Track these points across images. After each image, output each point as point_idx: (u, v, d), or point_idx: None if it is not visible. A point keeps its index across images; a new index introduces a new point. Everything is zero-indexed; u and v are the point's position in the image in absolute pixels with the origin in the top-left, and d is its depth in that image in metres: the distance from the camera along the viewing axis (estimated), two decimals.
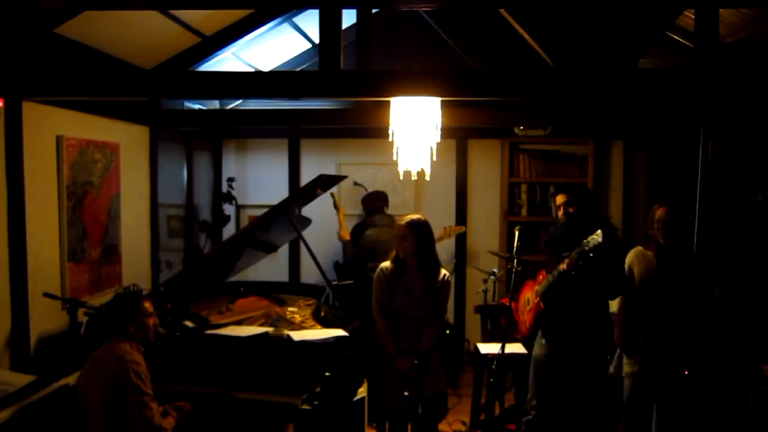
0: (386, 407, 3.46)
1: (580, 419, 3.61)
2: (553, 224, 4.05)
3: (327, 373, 3.12)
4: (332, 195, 5.42)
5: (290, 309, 3.84)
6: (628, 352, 3.44)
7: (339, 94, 3.30)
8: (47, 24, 3.46)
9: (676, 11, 3.11)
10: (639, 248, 3.49)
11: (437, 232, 3.79)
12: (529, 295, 3.80)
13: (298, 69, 5.86)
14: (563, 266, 3.38)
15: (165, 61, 4.66)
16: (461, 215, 6.23)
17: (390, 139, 3.51)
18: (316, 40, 5.30)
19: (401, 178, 3.68)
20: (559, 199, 3.72)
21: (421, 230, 3.43)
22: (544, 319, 3.65)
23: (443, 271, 3.49)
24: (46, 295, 3.52)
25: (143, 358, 2.92)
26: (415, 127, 3.43)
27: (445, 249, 6.03)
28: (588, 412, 3.59)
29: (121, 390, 2.79)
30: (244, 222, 6.40)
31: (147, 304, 2.98)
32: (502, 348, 3.54)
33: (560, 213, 3.71)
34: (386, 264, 3.52)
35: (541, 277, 3.66)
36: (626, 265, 3.47)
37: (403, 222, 3.45)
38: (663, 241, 3.32)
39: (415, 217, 3.49)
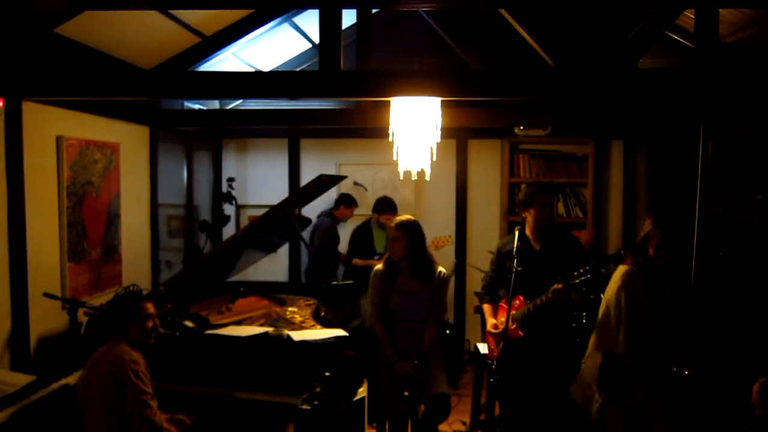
0: (386, 407, 3.45)
1: None
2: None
3: (327, 373, 3.12)
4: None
5: (290, 309, 3.84)
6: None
7: (339, 94, 3.29)
8: (47, 24, 3.46)
9: (676, 11, 3.11)
10: (630, 268, 3.26)
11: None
12: (495, 321, 3.74)
13: (298, 69, 5.86)
14: (550, 295, 3.35)
15: (165, 61, 4.66)
16: (461, 215, 6.23)
17: (390, 139, 3.50)
18: (316, 40, 5.30)
19: (401, 178, 3.68)
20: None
21: (411, 230, 3.41)
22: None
23: (439, 268, 3.47)
24: (46, 295, 3.52)
25: (142, 356, 2.92)
26: (415, 127, 3.43)
27: (445, 249, 6.03)
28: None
29: (121, 390, 2.78)
30: (244, 222, 6.40)
31: (147, 305, 2.97)
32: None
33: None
34: (379, 266, 3.50)
35: (517, 302, 3.60)
36: (615, 290, 3.25)
37: (393, 223, 3.44)
38: (659, 261, 3.19)
39: (404, 217, 3.47)
